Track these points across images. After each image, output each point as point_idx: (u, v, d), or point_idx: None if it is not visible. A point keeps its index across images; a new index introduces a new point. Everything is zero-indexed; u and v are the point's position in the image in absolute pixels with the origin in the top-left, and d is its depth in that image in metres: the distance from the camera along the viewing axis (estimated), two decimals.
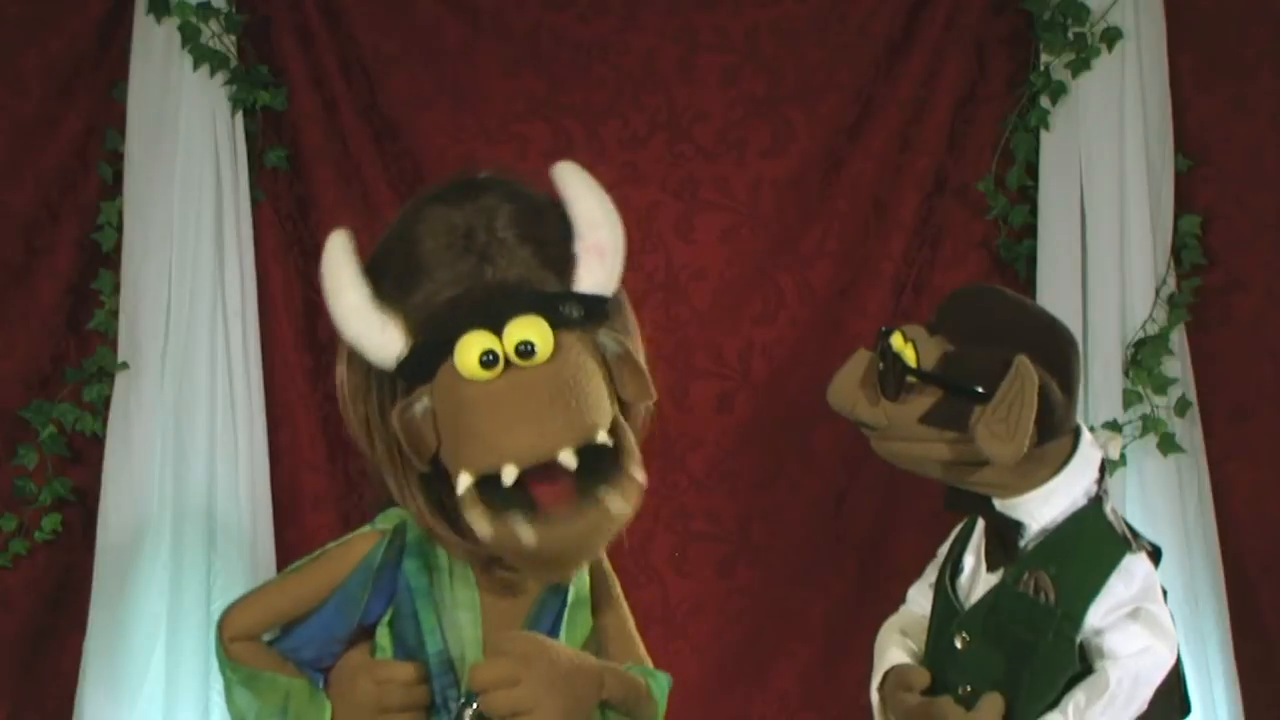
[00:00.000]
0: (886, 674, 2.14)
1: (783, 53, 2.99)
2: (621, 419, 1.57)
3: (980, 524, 2.15)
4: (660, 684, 1.80)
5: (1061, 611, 2.00)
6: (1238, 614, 2.86)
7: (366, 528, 1.71)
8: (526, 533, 1.49)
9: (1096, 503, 2.08)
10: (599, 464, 1.52)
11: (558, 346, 1.53)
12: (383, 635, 1.70)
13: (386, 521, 1.70)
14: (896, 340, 2.04)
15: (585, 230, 1.59)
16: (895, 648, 2.19)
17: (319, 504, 2.99)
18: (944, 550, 2.26)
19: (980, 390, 1.97)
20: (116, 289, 2.91)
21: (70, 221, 2.95)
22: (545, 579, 1.67)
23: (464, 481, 1.50)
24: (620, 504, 1.52)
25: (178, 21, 2.87)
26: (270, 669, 1.68)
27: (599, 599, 1.81)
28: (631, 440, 1.56)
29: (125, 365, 2.88)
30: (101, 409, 2.90)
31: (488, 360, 1.50)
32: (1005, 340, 2.01)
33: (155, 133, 2.89)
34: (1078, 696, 2.00)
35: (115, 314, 2.91)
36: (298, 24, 3.00)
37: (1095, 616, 2.01)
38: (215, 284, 2.90)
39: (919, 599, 2.28)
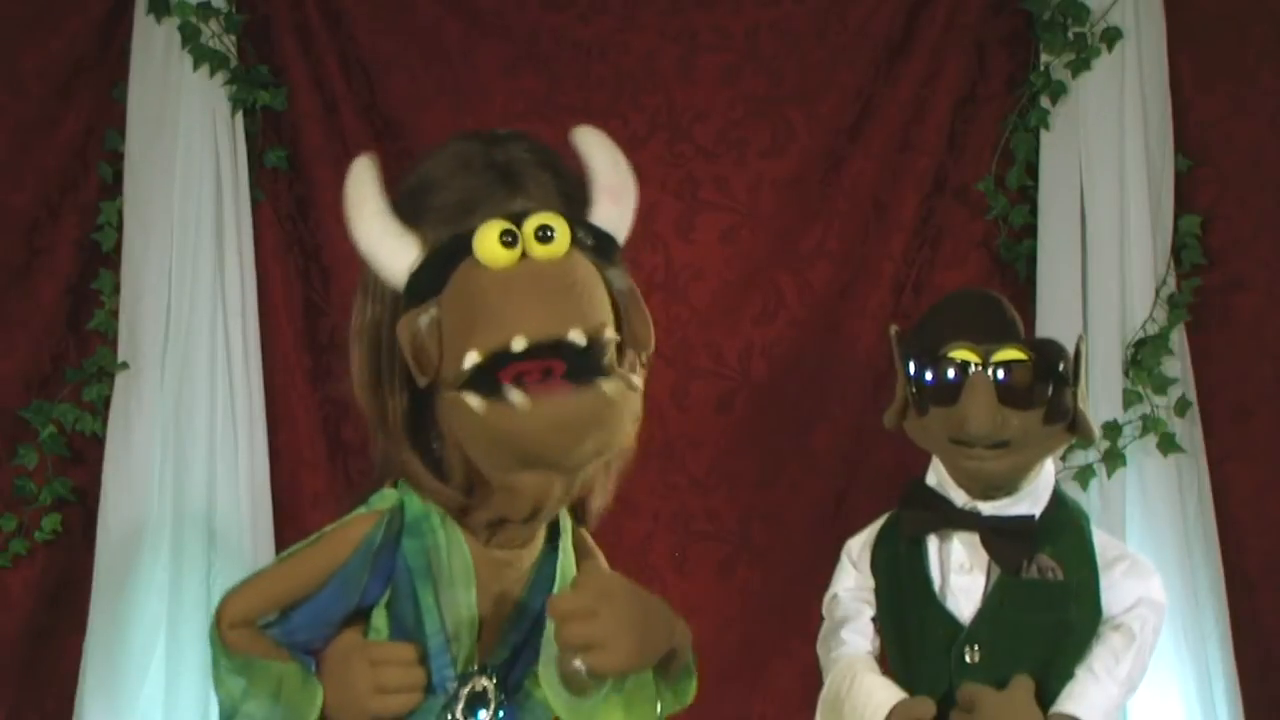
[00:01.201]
0: (893, 712, 2.13)
1: (783, 53, 2.99)
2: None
3: (934, 545, 2.18)
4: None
5: (1075, 580, 2.07)
6: (1238, 614, 2.85)
7: (362, 508, 1.70)
8: (520, 399, 1.47)
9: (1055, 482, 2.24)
10: (595, 363, 1.52)
11: (572, 251, 1.53)
12: (379, 617, 1.68)
13: (383, 502, 1.69)
14: (1015, 353, 2.14)
15: (600, 175, 1.62)
16: (882, 686, 2.18)
17: (319, 504, 2.99)
18: (847, 587, 2.28)
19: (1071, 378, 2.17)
20: (116, 289, 2.91)
21: (70, 221, 2.95)
22: (530, 500, 1.61)
23: (471, 358, 1.49)
24: (613, 385, 1.50)
25: (178, 21, 2.87)
26: (264, 655, 1.68)
27: (580, 559, 1.80)
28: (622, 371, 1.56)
29: (125, 365, 2.88)
30: (101, 409, 2.90)
31: (507, 240, 1.50)
32: (1019, 334, 2.20)
33: (155, 133, 2.89)
34: (1105, 657, 2.06)
35: (115, 314, 2.91)
36: (298, 24, 3.00)
37: (1103, 575, 2.13)
38: (215, 284, 2.89)
39: (856, 640, 2.27)
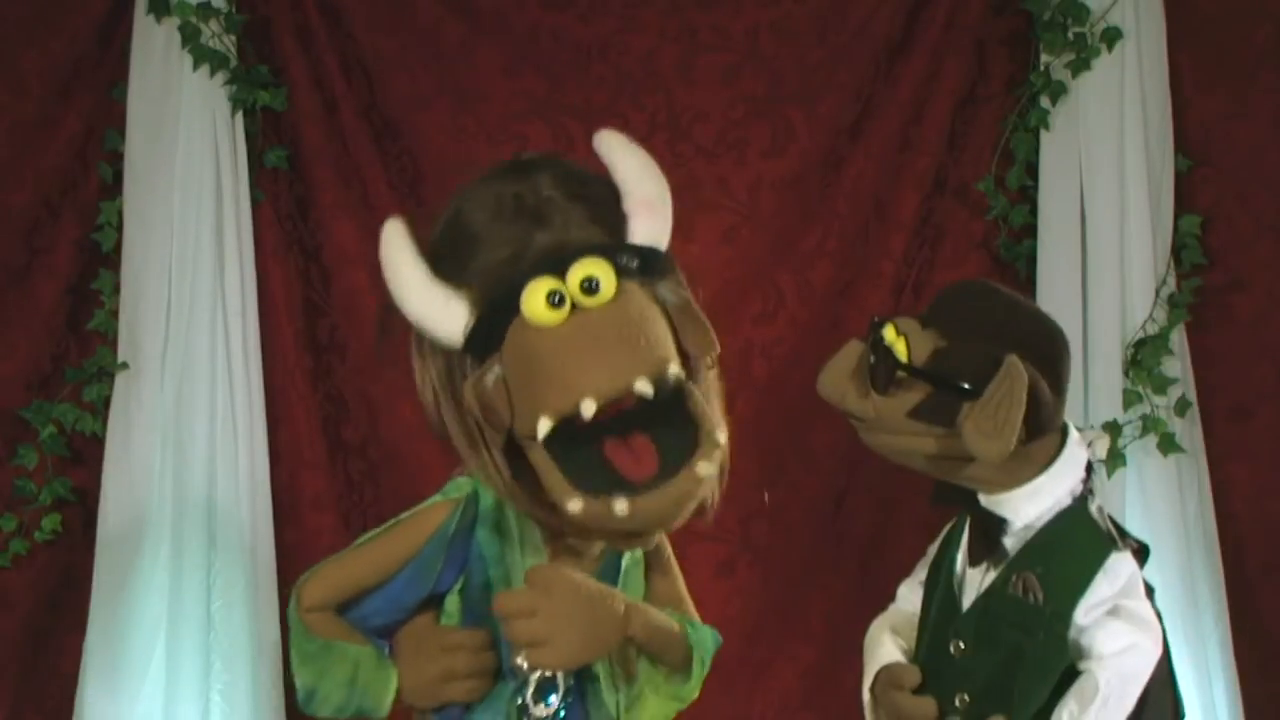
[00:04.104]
0: (878, 673, 2.14)
1: (783, 53, 2.99)
2: (688, 381, 1.59)
3: (967, 526, 2.16)
4: (703, 635, 1.81)
5: (1050, 610, 2.00)
6: (1238, 614, 2.86)
7: (438, 496, 1.72)
8: (621, 506, 1.51)
9: (1082, 501, 2.08)
10: (673, 419, 1.55)
11: (620, 290, 1.54)
12: (452, 602, 1.71)
13: (457, 490, 1.71)
14: (889, 333, 2.04)
15: (632, 187, 1.62)
16: (887, 646, 2.18)
17: (319, 504, 2.99)
18: (934, 548, 2.26)
19: (969, 387, 1.97)
20: (116, 289, 2.91)
21: (70, 221, 2.95)
22: (626, 548, 1.68)
23: (544, 426, 1.51)
24: (707, 467, 1.56)
25: (178, 21, 2.87)
26: (341, 639, 1.69)
27: (651, 560, 1.83)
28: (700, 401, 1.60)
29: (125, 365, 2.88)
30: (101, 409, 2.90)
31: (554, 301, 1.51)
32: (997, 337, 2.01)
33: (155, 133, 2.89)
34: (1070, 705, 1.99)
35: (115, 314, 2.91)
36: (298, 24, 3.00)
37: (1080, 614, 2.01)
38: (215, 284, 2.89)
39: (909, 596, 2.28)
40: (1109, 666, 1.99)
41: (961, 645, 2.06)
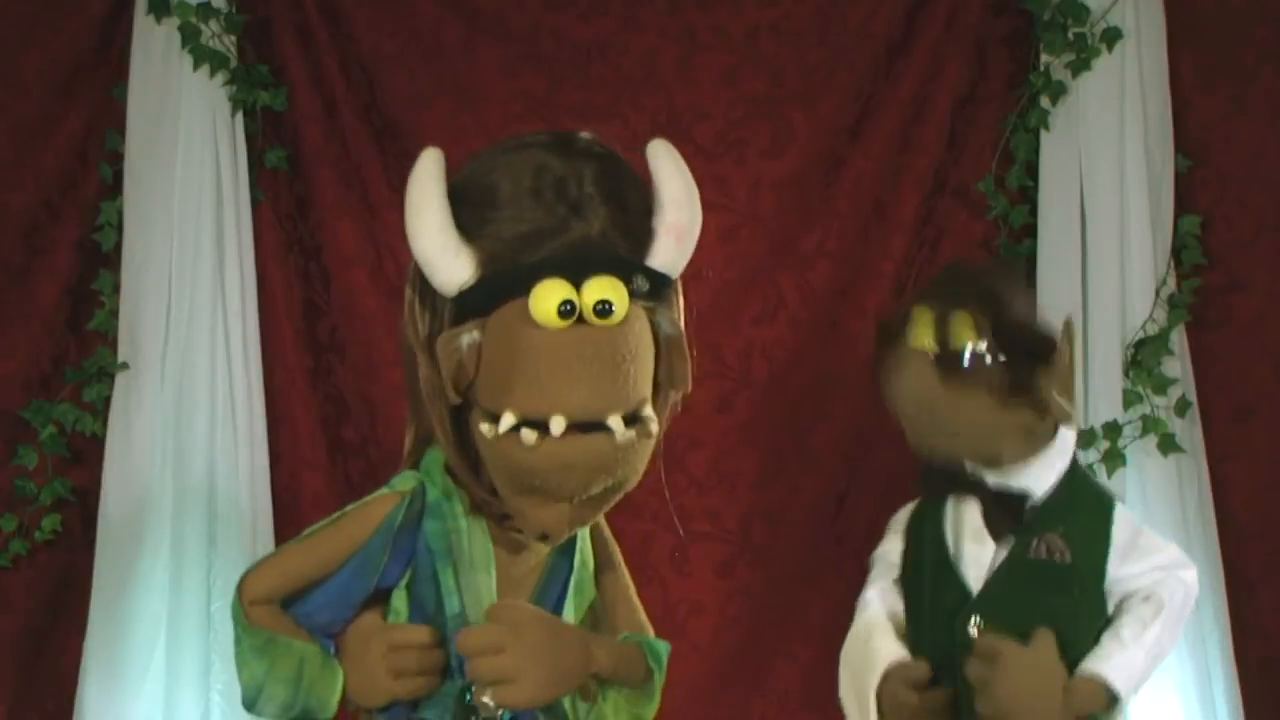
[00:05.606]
0: (886, 671, 2.13)
1: (783, 53, 2.99)
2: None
3: (951, 509, 2.16)
4: (658, 651, 1.81)
5: (1083, 565, 2.05)
6: (1238, 614, 2.86)
7: (384, 489, 1.71)
8: (530, 437, 1.51)
9: (1074, 461, 2.17)
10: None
11: (627, 314, 1.54)
12: (398, 599, 1.70)
13: (404, 483, 1.70)
14: (960, 323, 2.05)
15: (668, 208, 1.60)
16: (889, 644, 2.17)
17: (319, 504, 2.98)
18: (889, 550, 2.27)
19: (1044, 354, 2.05)
20: (116, 289, 2.91)
21: (70, 221, 2.95)
22: (538, 526, 1.64)
23: (506, 420, 1.52)
24: (625, 431, 1.53)
25: (178, 22, 2.87)
26: (286, 633, 1.68)
27: (601, 565, 1.82)
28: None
29: (125, 365, 2.88)
30: (101, 409, 2.90)
31: (565, 310, 1.51)
32: (1025, 307, 2.11)
33: (155, 133, 2.89)
34: (1132, 624, 2.05)
35: (115, 314, 2.90)
36: (298, 24, 3.00)
37: (1112, 565, 2.09)
38: (215, 284, 2.89)
39: (876, 600, 2.26)
40: (1169, 587, 2.09)
41: (983, 623, 2.07)
